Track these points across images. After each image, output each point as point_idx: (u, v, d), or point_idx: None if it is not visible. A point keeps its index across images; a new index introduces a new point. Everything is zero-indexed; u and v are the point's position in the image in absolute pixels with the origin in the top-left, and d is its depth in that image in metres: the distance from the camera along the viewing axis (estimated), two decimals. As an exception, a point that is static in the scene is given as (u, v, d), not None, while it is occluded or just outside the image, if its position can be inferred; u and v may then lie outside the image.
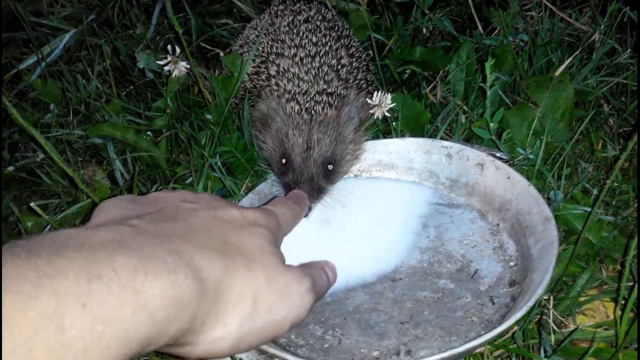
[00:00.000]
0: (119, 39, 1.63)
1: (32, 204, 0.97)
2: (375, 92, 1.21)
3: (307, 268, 0.81)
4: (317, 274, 0.82)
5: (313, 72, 1.28)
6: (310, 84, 1.27)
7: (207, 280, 0.60)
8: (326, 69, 1.30)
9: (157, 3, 1.75)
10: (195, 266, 0.59)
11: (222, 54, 1.50)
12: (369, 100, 1.22)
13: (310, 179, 1.19)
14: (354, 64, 1.36)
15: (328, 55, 1.32)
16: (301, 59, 1.30)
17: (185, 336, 0.59)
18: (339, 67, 1.32)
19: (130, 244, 0.55)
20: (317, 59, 1.31)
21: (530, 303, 0.89)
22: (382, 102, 1.20)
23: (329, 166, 1.23)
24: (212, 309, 0.61)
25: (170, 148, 1.35)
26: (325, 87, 1.27)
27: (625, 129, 1.30)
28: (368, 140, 1.31)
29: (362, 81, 1.38)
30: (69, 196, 1.27)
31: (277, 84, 1.29)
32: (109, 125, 1.30)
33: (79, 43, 1.73)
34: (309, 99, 1.23)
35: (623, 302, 0.93)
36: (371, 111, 1.22)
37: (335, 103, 1.25)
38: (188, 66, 1.23)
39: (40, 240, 0.51)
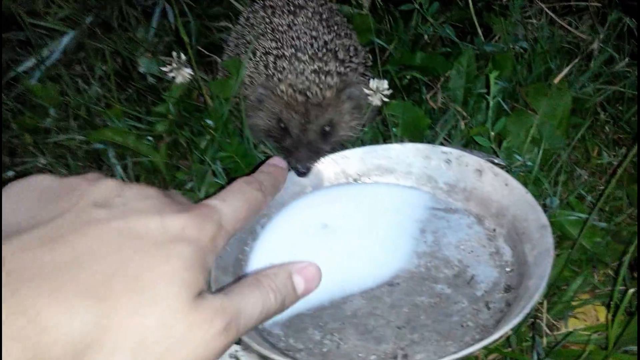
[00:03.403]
0: (119, 42, 1.71)
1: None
2: (371, 79, 1.30)
3: (240, 292, 0.69)
4: (253, 300, 0.69)
5: (309, 52, 1.35)
6: (306, 64, 1.33)
7: (57, 341, 0.51)
8: (324, 50, 1.37)
9: (157, 6, 1.82)
10: (42, 326, 0.50)
11: (219, 60, 1.56)
12: (365, 90, 1.30)
13: (309, 143, 1.30)
14: (352, 53, 1.44)
15: (327, 45, 1.39)
16: (297, 46, 1.37)
17: None
18: (336, 49, 1.39)
19: None
20: (315, 44, 1.37)
21: (526, 310, 0.95)
22: (379, 88, 1.27)
23: (326, 128, 1.33)
24: None
25: (170, 153, 1.42)
26: (321, 65, 1.33)
27: (621, 136, 1.37)
28: (365, 118, 1.39)
29: (360, 66, 1.45)
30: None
31: (274, 64, 1.36)
32: (110, 131, 1.37)
33: (78, 45, 1.80)
34: (304, 78, 1.30)
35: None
36: (369, 98, 1.30)
37: (337, 84, 1.32)
38: (192, 72, 1.30)
39: None
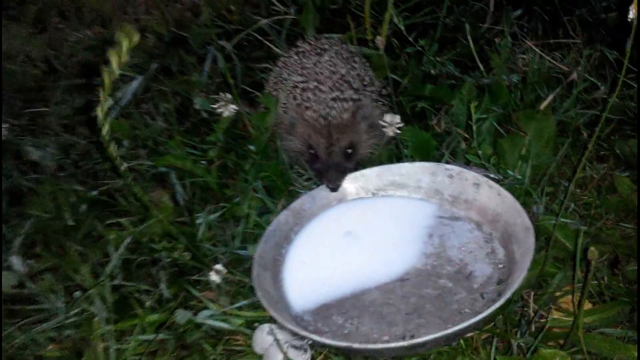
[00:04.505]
0: (178, 84, 1.93)
1: (120, 220, 1.24)
2: (386, 114, 1.44)
3: None
4: None
5: (329, 84, 1.52)
6: (326, 93, 1.50)
7: None
8: (341, 82, 1.53)
9: (209, 53, 2.05)
10: None
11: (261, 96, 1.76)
12: (381, 122, 1.44)
13: (336, 165, 1.46)
14: (366, 82, 1.60)
15: (345, 76, 1.55)
16: (320, 80, 1.53)
17: None
18: (351, 80, 1.55)
19: None
20: (334, 77, 1.54)
21: (507, 296, 1.09)
22: (393, 122, 1.42)
23: (348, 150, 1.48)
24: None
25: (220, 174, 1.61)
26: (338, 94, 1.50)
27: (603, 153, 1.48)
28: (382, 136, 1.51)
29: (373, 94, 1.60)
30: (139, 215, 1.53)
31: (301, 95, 1.53)
32: (172, 157, 1.56)
33: (145, 88, 2.03)
34: (325, 105, 1.47)
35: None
36: (384, 129, 1.44)
37: (351, 107, 1.47)
38: (236, 108, 1.49)
39: None
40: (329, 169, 1.46)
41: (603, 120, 1.04)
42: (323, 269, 1.34)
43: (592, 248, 0.89)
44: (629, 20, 0.88)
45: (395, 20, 1.69)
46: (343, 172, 1.48)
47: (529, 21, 1.93)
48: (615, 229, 1.32)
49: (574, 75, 1.49)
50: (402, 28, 1.74)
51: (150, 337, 1.16)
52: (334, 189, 1.47)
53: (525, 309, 1.19)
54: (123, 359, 1.12)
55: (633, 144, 1.46)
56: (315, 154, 1.49)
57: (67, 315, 1.22)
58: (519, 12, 1.94)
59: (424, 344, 1.06)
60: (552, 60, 1.62)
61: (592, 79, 1.56)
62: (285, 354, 1.06)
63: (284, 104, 1.58)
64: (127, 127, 1.79)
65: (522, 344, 1.09)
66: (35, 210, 1.48)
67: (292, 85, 1.57)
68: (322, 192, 1.50)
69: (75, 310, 1.23)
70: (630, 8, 0.88)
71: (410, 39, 1.78)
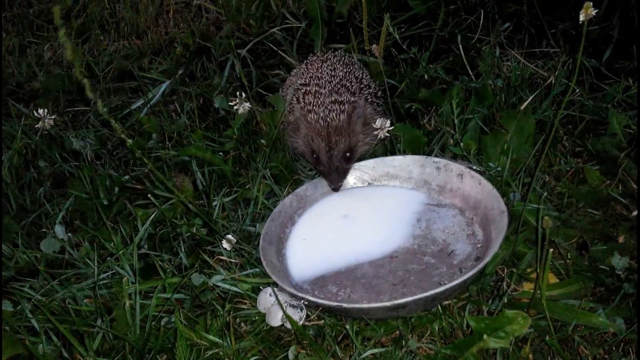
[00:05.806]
0: (201, 87, 2.06)
1: (149, 196, 1.36)
2: (377, 119, 1.51)
3: None
4: None
5: (329, 88, 1.59)
6: (325, 96, 1.57)
7: None
8: (339, 86, 1.61)
9: (229, 60, 2.18)
10: None
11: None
12: (373, 124, 1.52)
13: (336, 168, 1.53)
14: (363, 85, 1.67)
15: (342, 80, 1.63)
16: (320, 84, 1.61)
17: None
18: (348, 83, 1.62)
19: None
20: (333, 82, 1.62)
21: (479, 267, 1.17)
22: (383, 126, 1.51)
23: (347, 154, 1.54)
24: None
25: (235, 164, 1.72)
26: (336, 97, 1.57)
27: (578, 148, 1.56)
28: (376, 134, 1.57)
29: (369, 96, 1.68)
30: (164, 197, 1.65)
31: (303, 98, 1.61)
32: (194, 148, 1.68)
33: (172, 90, 2.17)
34: (324, 108, 1.54)
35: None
36: (375, 133, 1.52)
37: (347, 109, 1.54)
38: (250, 106, 1.61)
39: None
40: (331, 173, 1.53)
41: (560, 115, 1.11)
42: (321, 246, 1.43)
43: (546, 217, 0.96)
44: (580, 22, 0.95)
45: (392, 31, 1.79)
46: (344, 174, 1.56)
47: (516, 33, 2.02)
48: (584, 216, 1.39)
49: (551, 80, 1.57)
50: (397, 38, 1.84)
51: (169, 296, 1.26)
52: (336, 189, 1.55)
53: (499, 282, 1.27)
54: (146, 314, 1.22)
55: (604, 140, 1.53)
56: (317, 158, 1.55)
57: (100, 277, 1.33)
58: (507, 25, 2.03)
59: (404, 306, 1.14)
60: (533, 67, 1.71)
61: (567, 82, 1.64)
62: (284, 311, 1.16)
63: (290, 105, 1.68)
64: (156, 122, 1.92)
65: (491, 309, 1.17)
66: (75, 191, 1.61)
67: (297, 88, 1.68)
68: (323, 181, 1.58)
69: (107, 273, 1.34)
70: (581, 13, 0.95)
71: (404, 47, 1.88)
